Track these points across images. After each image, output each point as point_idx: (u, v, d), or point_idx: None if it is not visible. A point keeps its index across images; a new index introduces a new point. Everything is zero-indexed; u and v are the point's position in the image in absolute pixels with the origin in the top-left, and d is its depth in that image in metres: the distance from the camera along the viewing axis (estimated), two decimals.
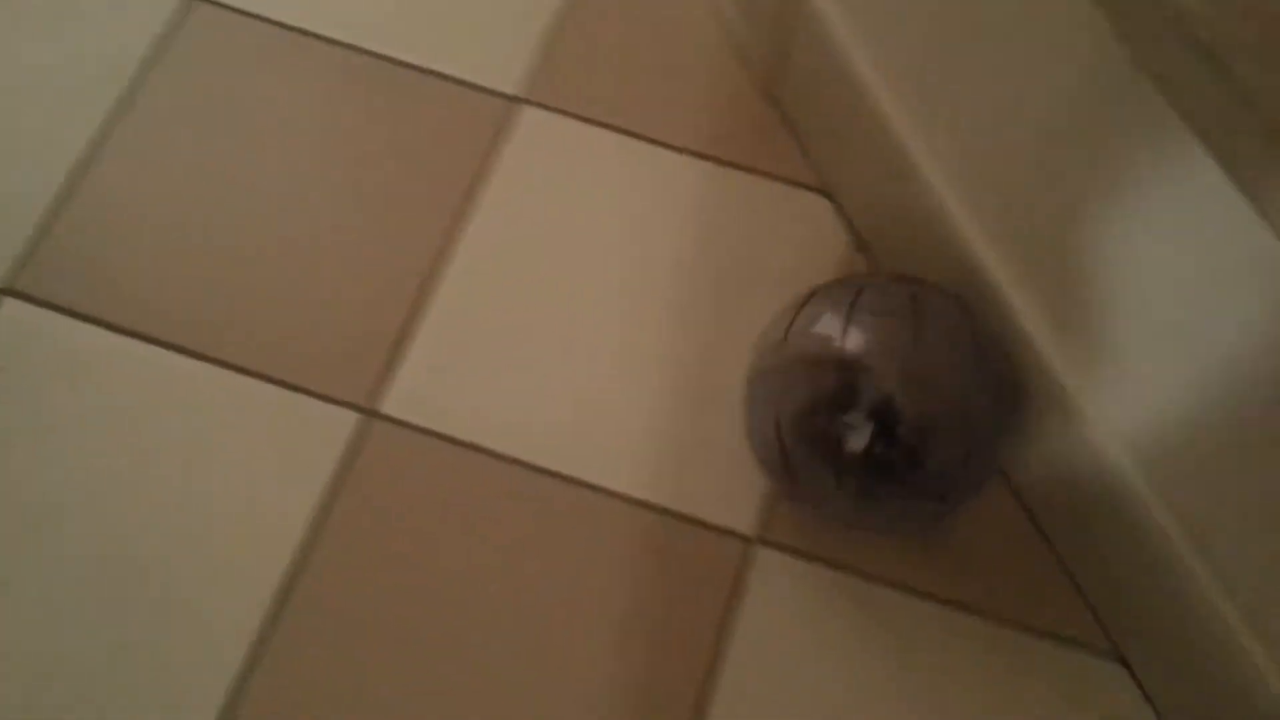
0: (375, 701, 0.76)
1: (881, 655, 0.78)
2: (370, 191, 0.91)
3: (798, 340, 0.74)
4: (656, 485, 0.84)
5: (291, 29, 0.95)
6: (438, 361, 0.86)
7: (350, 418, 0.83)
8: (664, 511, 0.83)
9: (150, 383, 0.83)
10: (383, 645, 0.77)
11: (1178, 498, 0.71)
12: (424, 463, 0.82)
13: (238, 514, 0.81)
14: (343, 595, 0.79)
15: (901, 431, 0.72)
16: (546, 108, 0.94)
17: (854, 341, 0.73)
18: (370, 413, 0.84)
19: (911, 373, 0.72)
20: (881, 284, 0.76)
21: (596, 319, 0.89)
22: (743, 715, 0.77)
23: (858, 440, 0.72)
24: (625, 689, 0.77)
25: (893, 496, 0.74)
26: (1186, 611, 0.73)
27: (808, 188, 0.92)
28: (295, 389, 0.85)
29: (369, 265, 0.89)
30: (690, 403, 0.87)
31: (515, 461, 0.83)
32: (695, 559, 0.82)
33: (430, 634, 0.78)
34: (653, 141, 0.92)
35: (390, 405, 0.84)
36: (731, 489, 0.84)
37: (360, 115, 0.93)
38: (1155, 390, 0.69)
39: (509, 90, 0.94)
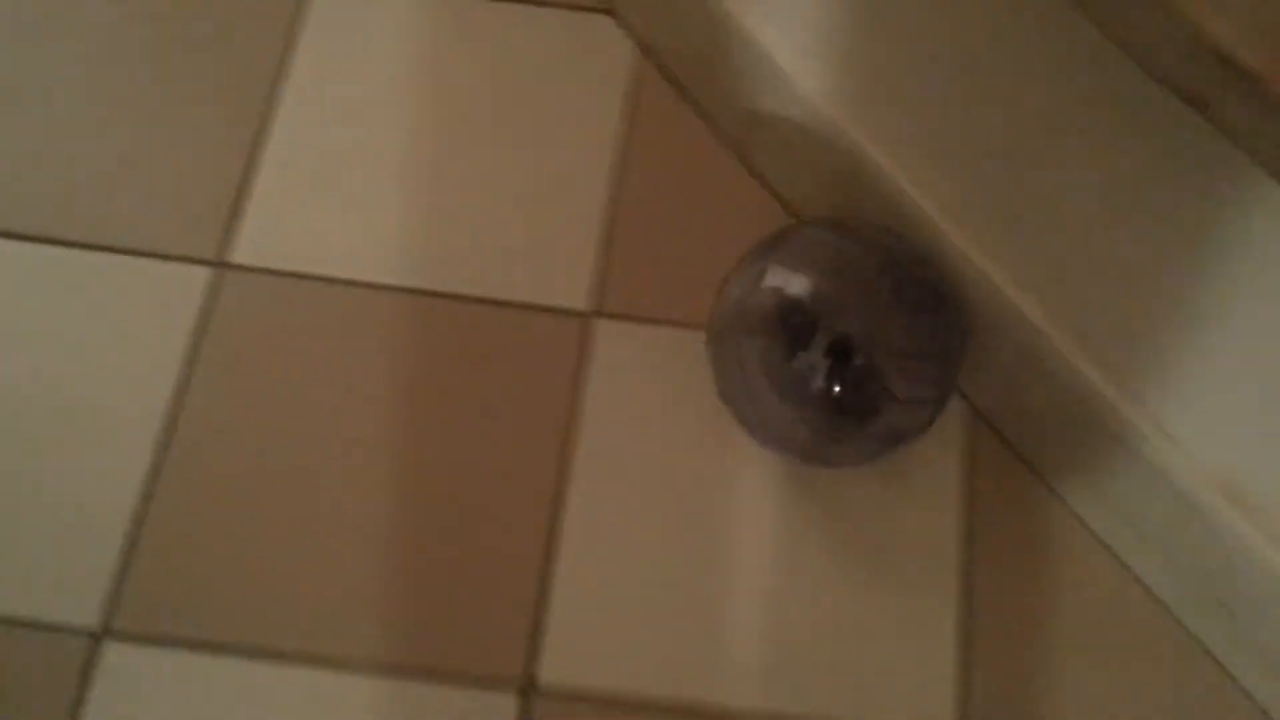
0: (260, 545, 0.80)
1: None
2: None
3: (748, 297, 0.75)
4: (493, 281, 0.87)
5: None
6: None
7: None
8: (503, 304, 0.87)
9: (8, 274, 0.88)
10: (263, 487, 0.82)
11: None
12: (277, 304, 0.86)
13: (100, 389, 0.85)
14: (218, 449, 0.83)
15: (858, 368, 0.73)
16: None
17: (802, 286, 0.73)
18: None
19: (864, 310, 0.73)
20: (818, 229, 0.77)
21: (427, 150, 0.91)
22: (602, 478, 0.82)
23: (817, 380, 0.73)
24: (489, 478, 0.82)
25: (854, 435, 0.75)
26: None
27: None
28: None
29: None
30: (516, 204, 0.90)
31: (359, 284, 0.87)
32: (539, 344, 0.85)
33: (307, 461, 0.82)
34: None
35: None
36: (562, 275, 0.87)
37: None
38: None
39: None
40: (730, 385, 0.77)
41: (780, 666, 0.77)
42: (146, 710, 0.75)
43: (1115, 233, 0.66)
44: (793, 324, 0.73)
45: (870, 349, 0.72)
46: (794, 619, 0.78)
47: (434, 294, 0.87)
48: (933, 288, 0.75)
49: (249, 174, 0.91)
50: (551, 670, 0.76)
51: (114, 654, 0.77)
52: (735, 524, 0.81)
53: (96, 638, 0.77)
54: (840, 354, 0.72)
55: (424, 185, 0.91)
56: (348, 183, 0.91)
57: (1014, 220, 0.73)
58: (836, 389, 0.72)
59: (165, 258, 0.88)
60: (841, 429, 0.74)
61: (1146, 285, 0.67)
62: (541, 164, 0.92)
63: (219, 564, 0.79)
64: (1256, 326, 0.62)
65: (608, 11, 0.98)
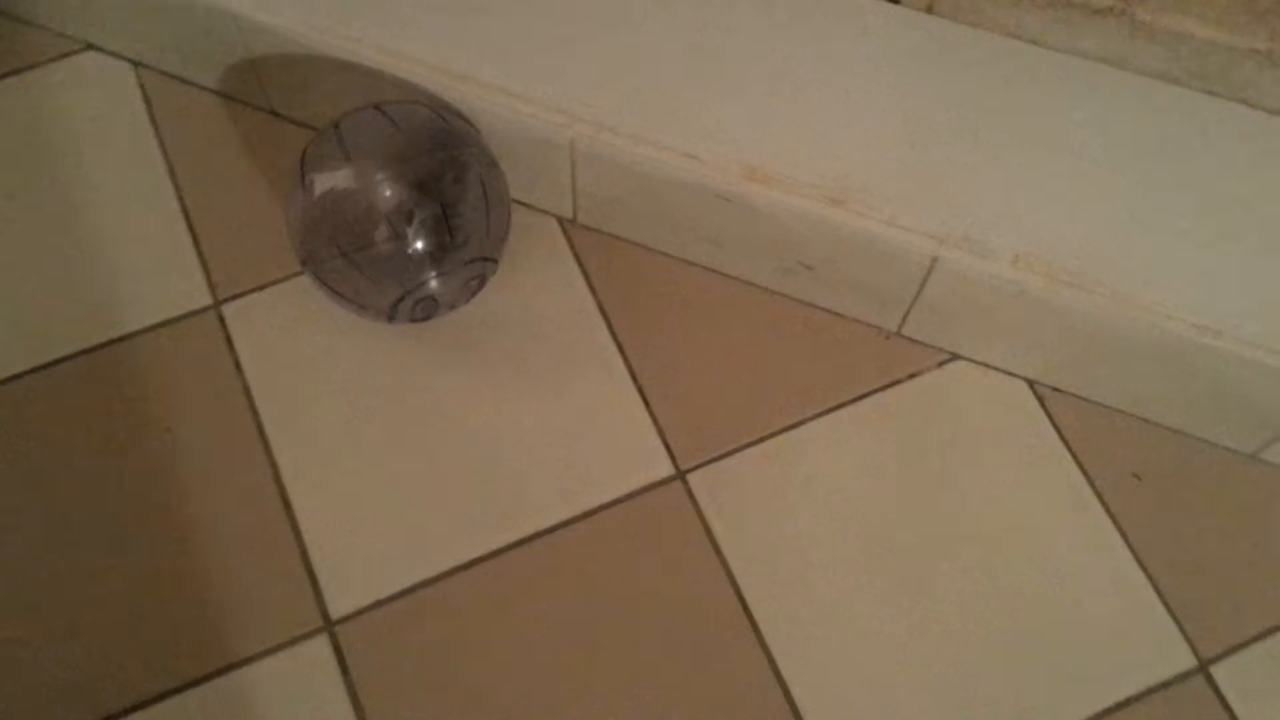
0: None
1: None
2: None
3: (310, 210, 0.85)
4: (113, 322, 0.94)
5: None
6: None
7: None
8: (129, 338, 0.94)
9: None
10: None
11: None
12: None
13: None
14: None
15: (429, 220, 0.84)
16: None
17: (347, 178, 0.84)
18: None
19: (412, 173, 0.84)
20: (338, 129, 0.86)
21: None
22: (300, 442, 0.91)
23: (407, 242, 0.84)
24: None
25: (456, 273, 0.86)
26: None
27: None
28: None
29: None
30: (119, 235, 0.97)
31: None
32: (182, 354, 0.93)
33: None
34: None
35: None
36: (171, 280, 0.95)
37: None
38: None
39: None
40: (345, 288, 0.87)
41: (516, 494, 0.90)
42: None
43: None
44: (356, 214, 0.84)
45: (427, 201, 0.84)
46: (511, 450, 0.91)
47: None
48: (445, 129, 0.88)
49: None
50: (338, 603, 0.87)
51: None
52: (432, 400, 0.92)
53: None
54: (408, 214, 0.84)
55: None
56: None
57: None
58: (420, 245, 0.84)
59: None
60: (444, 266, 0.86)
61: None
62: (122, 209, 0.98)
63: None
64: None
65: (90, 47, 1.03)
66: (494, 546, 0.87)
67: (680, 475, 0.90)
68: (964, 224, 0.84)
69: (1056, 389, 0.93)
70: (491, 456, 0.90)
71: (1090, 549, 0.88)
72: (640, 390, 0.92)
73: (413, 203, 0.84)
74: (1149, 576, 0.87)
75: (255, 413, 0.91)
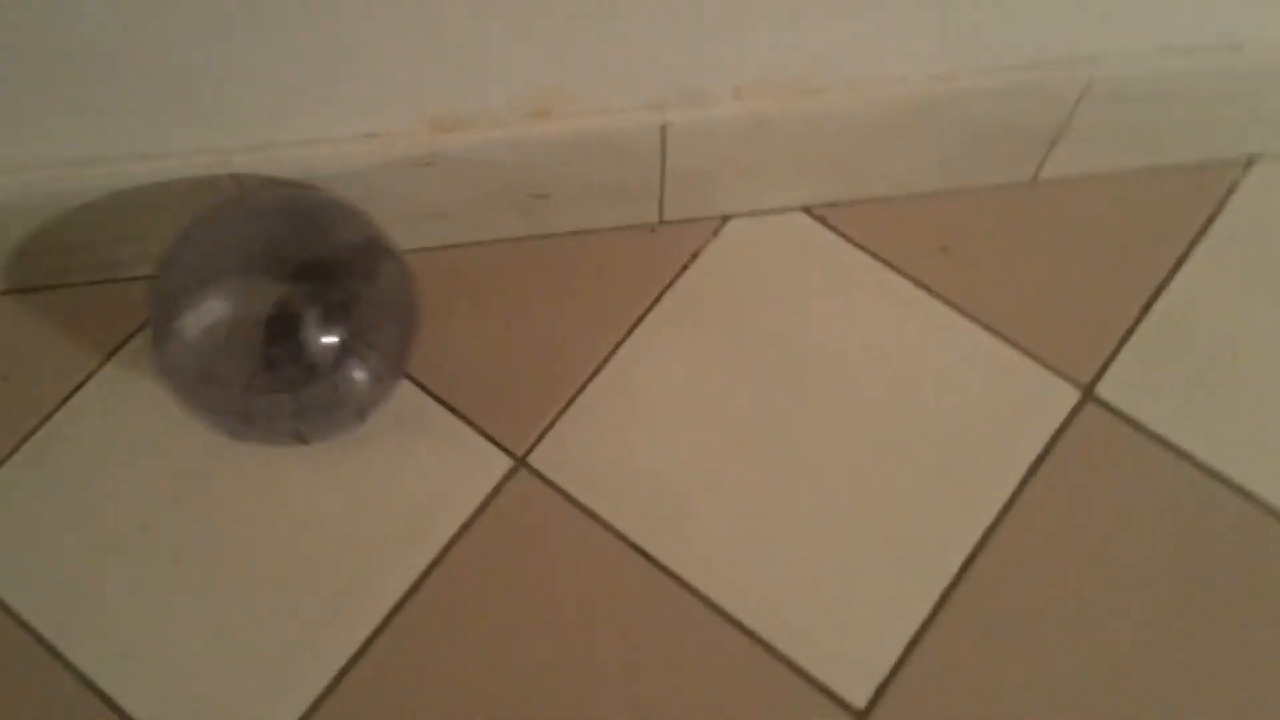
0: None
1: None
2: None
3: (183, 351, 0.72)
4: None
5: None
6: None
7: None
8: None
9: None
10: None
11: None
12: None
13: None
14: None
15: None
16: None
17: (212, 313, 0.71)
18: None
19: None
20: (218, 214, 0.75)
21: None
22: None
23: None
24: None
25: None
26: None
27: None
28: None
29: None
30: None
31: None
32: None
33: None
34: None
35: None
36: None
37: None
38: None
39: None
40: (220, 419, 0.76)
41: (356, 576, 0.79)
42: None
43: None
44: (236, 346, 0.72)
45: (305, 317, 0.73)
46: (336, 528, 0.80)
47: None
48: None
49: None
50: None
51: None
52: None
53: None
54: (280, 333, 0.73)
55: None
56: None
57: None
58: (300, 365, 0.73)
59: None
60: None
61: None
62: None
63: None
64: None
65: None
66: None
67: (520, 462, 0.81)
68: (675, 81, 0.78)
69: (831, 204, 0.89)
70: (315, 548, 0.80)
71: (934, 337, 0.85)
72: (444, 403, 0.83)
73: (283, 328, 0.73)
74: (997, 335, 0.85)
75: None
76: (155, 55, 0.70)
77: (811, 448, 0.82)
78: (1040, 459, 0.81)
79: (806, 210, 0.89)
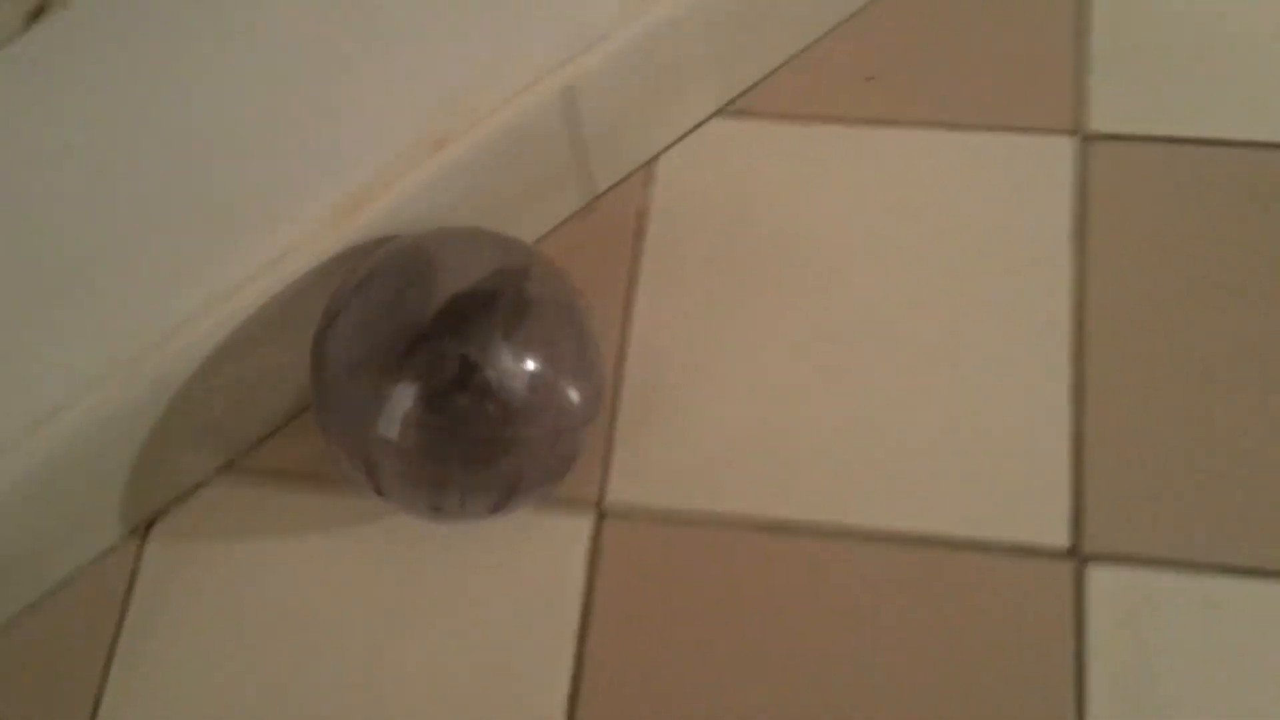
0: None
1: None
2: None
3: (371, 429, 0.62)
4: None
5: None
6: None
7: None
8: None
9: None
10: None
11: None
12: None
13: None
14: None
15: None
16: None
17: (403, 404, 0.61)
18: None
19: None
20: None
21: None
22: None
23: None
24: None
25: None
26: None
27: None
28: None
29: None
30: None
31: None
32: None
33: None
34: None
35: None
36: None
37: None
38: None
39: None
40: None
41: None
42: None
43: None
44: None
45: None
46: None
47: None
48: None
49: None
50: None
51: None
52: None
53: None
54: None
55: None
56: None
57: None
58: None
59: None
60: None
61: None
62: None
63: None
64: None
65: None
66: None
67: (600, 510, 0.72)
68: (565, 34, 0.69)
69: (744, 93, 0.82)
70: (454, 660, 0.69)
71: (909, 164, 0.79)
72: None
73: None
74: (966, 129, 0.79)
75: None
76: None
77: (865, 330, 0.75)
78: (1080, 221, 0.76)
79: (723, 111, 0.82)
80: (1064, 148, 0.78)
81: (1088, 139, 0.78)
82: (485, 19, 0.64)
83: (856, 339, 0.75)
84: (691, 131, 0.81)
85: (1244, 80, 0.79)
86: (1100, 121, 0.79)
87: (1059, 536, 0.69)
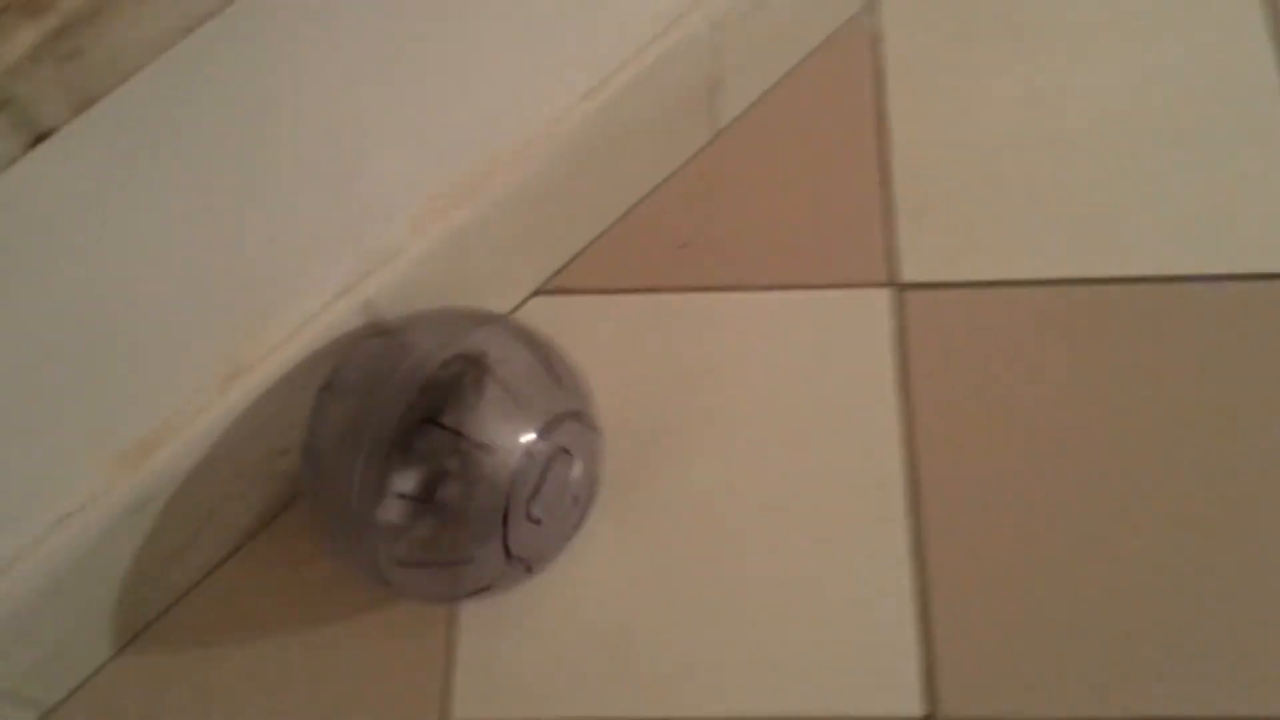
0: None
1: None
2: None
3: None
4: None
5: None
6: None
7: None
8: None
9: None
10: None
11: None
12: None
13: None
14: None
15: None
16: None
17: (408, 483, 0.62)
18: None
19: None
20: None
21: None
22: None
23: None
24: None
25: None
26: None
27: None
28: None
29: None
30: None
31: None
32: None
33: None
34: None
35: None
36: None
37: None
38: None
39: None
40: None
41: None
42: None
43: None
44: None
45: None
46: None
47: None
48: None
49: None
50: None
51: None
52: None
53: None
54: None
55: None
56: None
57: None
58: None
59: None
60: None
61: None
62: None
63: None
64: None
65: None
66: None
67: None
68: (357, 252, 0.67)
69: (560, 270, 0.81)
70: None
71: (730, 326, 0.79)
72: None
73: None
74: (783, 289, 0.80)
75: None
76: None
77: (696, 511, 0.73)
78: (903, 370, 0.77)
79: (541, 291, 0.81)
80: (880, 300, 0.79)
81: (902, 289, 0.79)
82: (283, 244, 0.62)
83: (686, 521, 0.73)
84: (514, 311, 0.80)
85: (1039, 221, 0.81)
86: (912, 271, 0.80)
87: (913, 705, 0.68)
